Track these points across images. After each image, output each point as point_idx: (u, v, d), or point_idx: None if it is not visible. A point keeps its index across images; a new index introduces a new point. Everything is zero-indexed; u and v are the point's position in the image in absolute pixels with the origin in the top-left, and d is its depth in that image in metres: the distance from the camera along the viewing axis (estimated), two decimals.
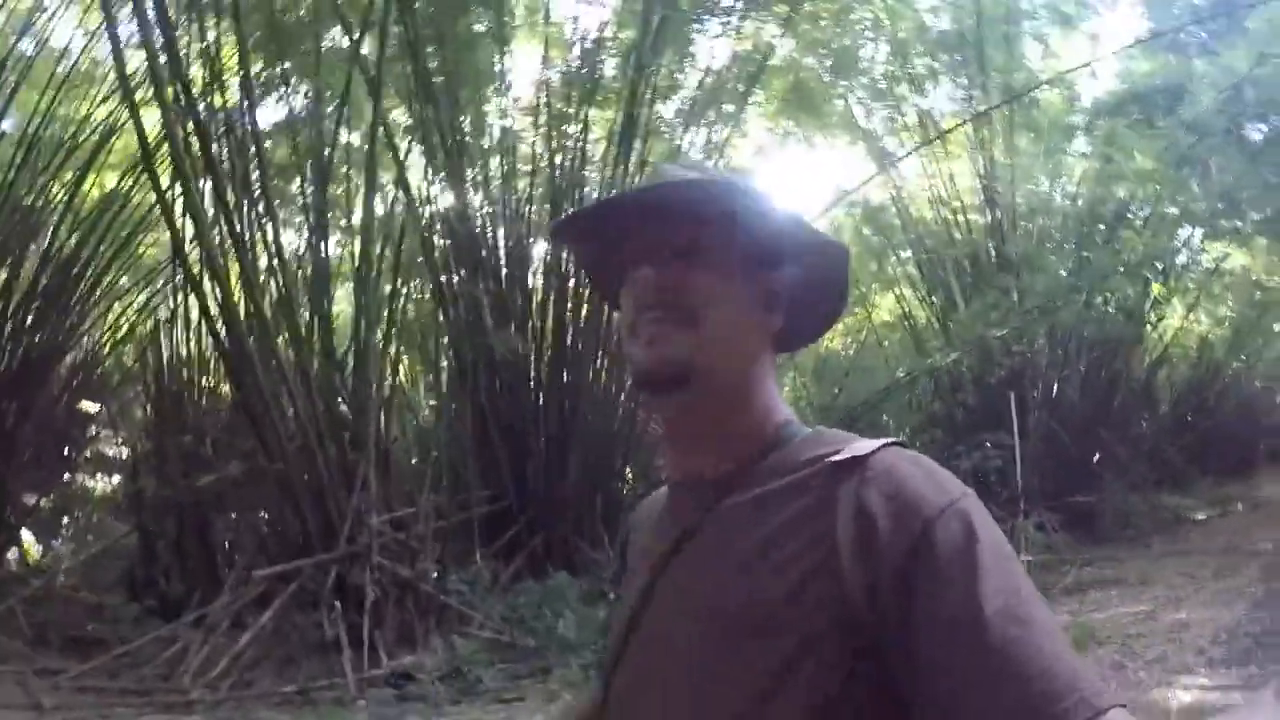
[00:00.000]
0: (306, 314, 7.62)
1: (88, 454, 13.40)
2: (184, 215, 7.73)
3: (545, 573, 7.77)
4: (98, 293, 11.17)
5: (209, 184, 7.99)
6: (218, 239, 7.60)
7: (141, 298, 12.12)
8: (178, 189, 7.76)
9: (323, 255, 8.37)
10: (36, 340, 10.53)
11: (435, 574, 6.74)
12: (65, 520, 12.90)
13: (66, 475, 13.07)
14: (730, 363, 0.89)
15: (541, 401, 9.22)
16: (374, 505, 6.47)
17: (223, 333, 7.01)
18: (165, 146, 10.20)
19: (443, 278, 9.28)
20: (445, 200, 9.98)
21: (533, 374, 9.39)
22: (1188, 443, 11.06)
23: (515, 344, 8.79)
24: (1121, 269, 9.65)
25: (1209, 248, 10.34)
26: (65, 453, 12.83)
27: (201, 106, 8.91)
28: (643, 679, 0.88)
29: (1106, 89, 10.99)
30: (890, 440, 0.84)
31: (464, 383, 9.04)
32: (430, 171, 9.97)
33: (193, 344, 9.70)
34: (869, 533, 0.75)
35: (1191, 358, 12.01)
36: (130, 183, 10.94)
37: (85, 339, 11.52)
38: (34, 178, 9.99)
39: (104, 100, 10.65)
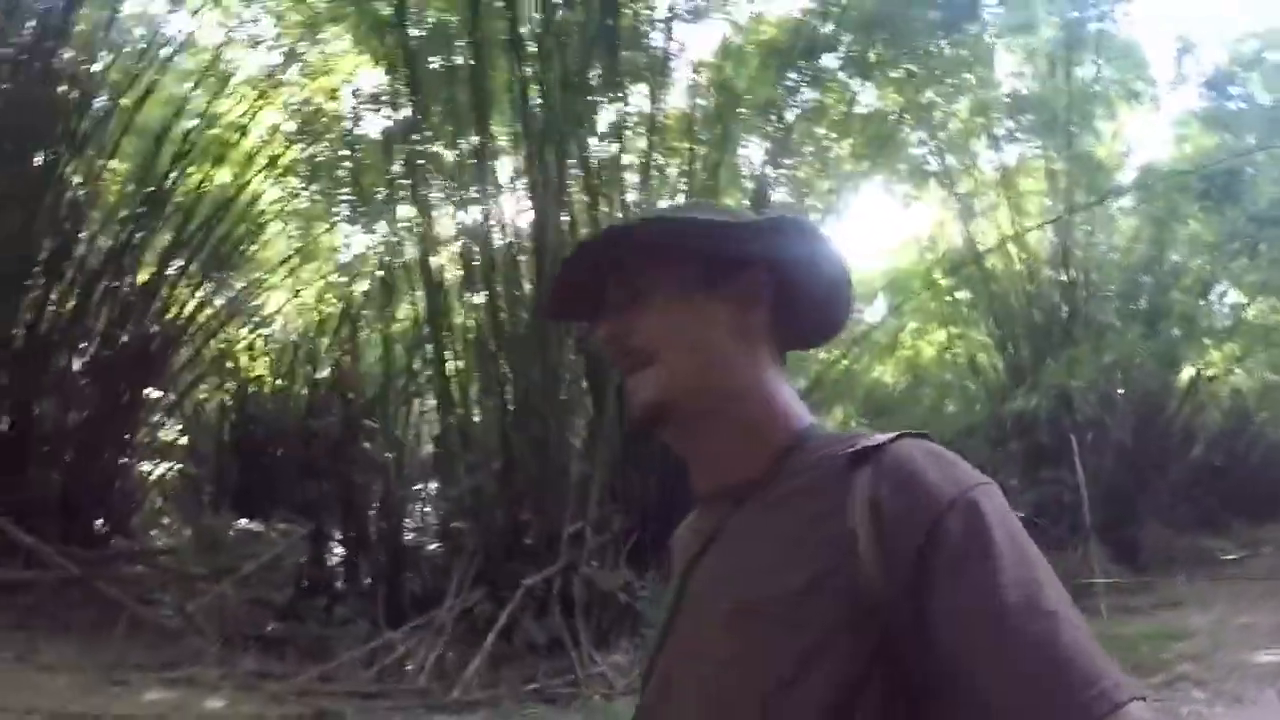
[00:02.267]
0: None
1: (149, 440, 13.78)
2: None
3: None
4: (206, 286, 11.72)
5: None
6: None
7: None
8: None
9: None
10: (157, 327, 11.03)
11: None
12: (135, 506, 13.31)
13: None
14: (704, 382, 0.93)
15: None
16: (585, 518, 7.32)
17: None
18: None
19: None
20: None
21: None
22: (1221, 486, 12.52)
23: None
24: (1180, 331, 11.03)
25: (1251, 308, 11.80)
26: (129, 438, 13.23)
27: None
28: (671, 681, 0.92)
29: (1161, 155, 12.47)
30: (904, 431, 0.86)
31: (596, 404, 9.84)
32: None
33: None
34: (882, 527, 0.77)
35: (1225, 406, 13.51)
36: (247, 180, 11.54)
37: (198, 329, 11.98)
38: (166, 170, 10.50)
39: (227, 98, 11.24)
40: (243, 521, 10.90)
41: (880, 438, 0.84)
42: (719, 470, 0.95)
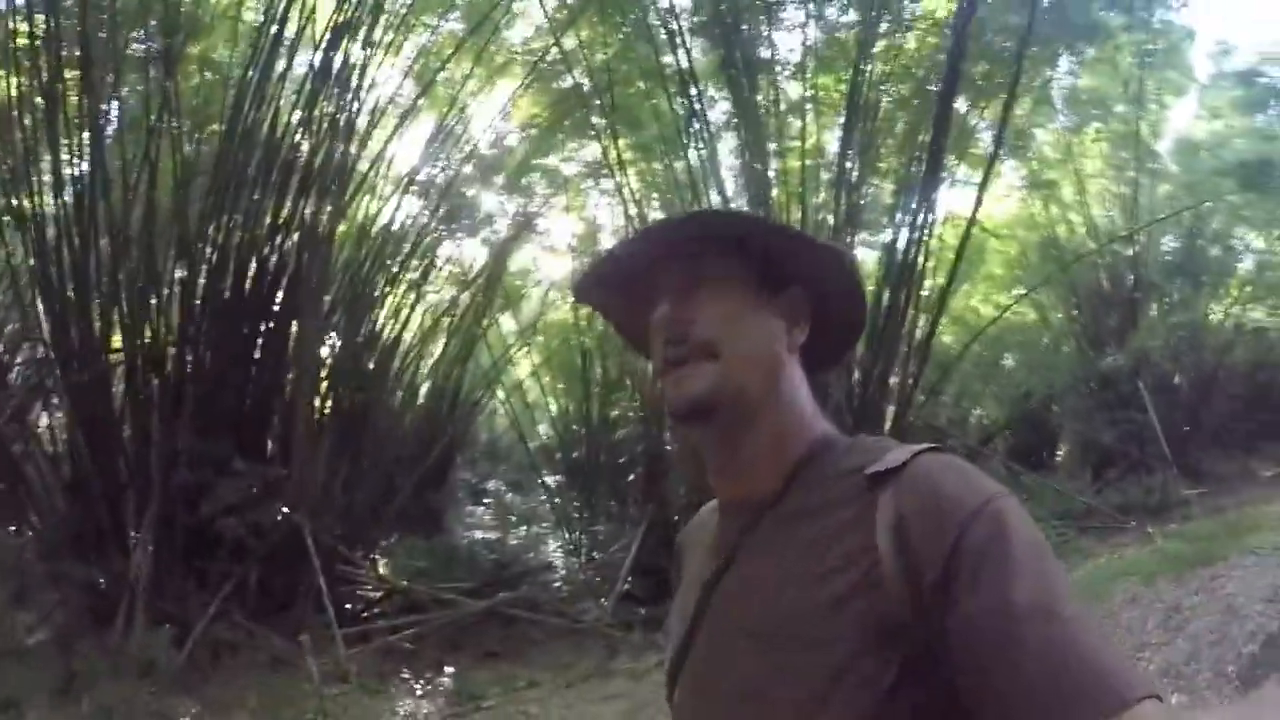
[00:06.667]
0: None
1: None
2: None
3: None
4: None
5: None
6: None
7: None
8: None
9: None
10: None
11: None
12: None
13: None
14: (754, 387, 1.00)
15: None
16: None
17: None
18: None
19: None
20: None
21: None
22: (1254, 415, 15.44)
23: None
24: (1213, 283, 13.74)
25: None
26: None
27: None
28: (700, 695, 0.99)
29: (1196, 129, 15.13)
30: (924, 446, 0.92)
31: None
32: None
33: None
34: (908, 542, 0.84)
35: (1254, 346, 16.30)
36: None
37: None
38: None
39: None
40: None
41: (901, 455, 0.91)
42: (743, 477, 1.03)
